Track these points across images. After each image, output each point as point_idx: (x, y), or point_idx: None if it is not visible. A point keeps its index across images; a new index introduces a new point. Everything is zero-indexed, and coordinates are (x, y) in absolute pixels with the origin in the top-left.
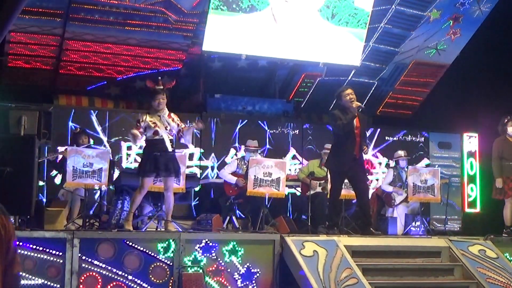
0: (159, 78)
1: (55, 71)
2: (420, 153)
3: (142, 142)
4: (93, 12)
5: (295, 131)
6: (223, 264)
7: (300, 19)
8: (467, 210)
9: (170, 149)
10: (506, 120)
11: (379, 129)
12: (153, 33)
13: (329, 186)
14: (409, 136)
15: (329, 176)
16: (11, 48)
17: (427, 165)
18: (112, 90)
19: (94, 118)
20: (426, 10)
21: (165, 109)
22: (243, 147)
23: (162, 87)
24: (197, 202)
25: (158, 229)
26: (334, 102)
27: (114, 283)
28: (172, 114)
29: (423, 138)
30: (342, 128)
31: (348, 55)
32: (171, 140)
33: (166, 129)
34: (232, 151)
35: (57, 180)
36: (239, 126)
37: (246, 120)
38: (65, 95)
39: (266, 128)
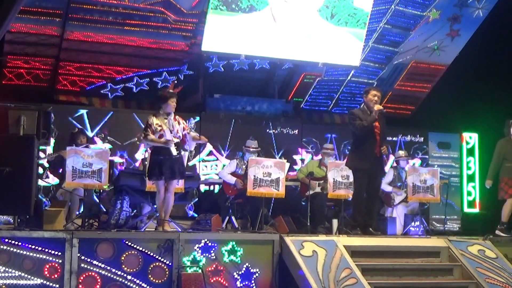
0: (175, 81)
1: (55, 71)
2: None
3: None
4: (93, 12)
5: (295, 131)
6: (222, 264)
7: (299, 19)
8: (467, 210)
9: (175, 152)
10: (511, 122)
11: None
12: (153, 33)
13: (328, 186)
14: (409, 136)
15: (352, 176)
16: (11, 48)
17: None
18: (111, 90)
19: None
20: (426, 10)
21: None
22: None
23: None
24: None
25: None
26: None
27: (113, 283)
28: (177, 117)
29: (422, 138)
30: (360, 129)
31: (347, 55)
32: (176, 143)
33: (171, 132)
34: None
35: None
36: (238, 126)
37: (245, 120)
38: (65, 95)
39: (266, 128)
